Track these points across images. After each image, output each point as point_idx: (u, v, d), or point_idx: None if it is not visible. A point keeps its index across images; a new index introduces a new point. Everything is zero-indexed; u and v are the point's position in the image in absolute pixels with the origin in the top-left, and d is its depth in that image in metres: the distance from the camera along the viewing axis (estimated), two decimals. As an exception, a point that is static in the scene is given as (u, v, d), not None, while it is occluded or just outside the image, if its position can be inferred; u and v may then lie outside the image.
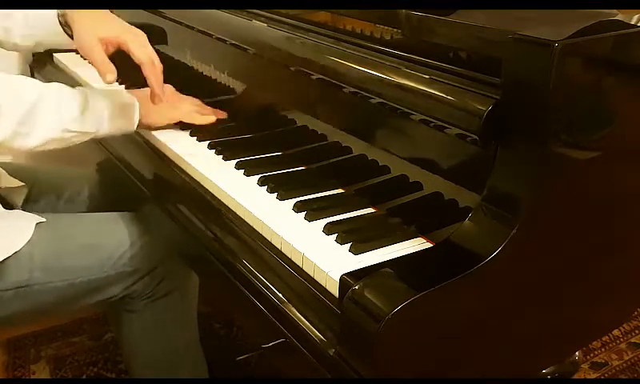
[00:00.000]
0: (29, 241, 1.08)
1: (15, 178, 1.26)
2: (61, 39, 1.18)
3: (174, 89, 1.26)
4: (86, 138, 1.10)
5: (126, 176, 1.21)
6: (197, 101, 1.26)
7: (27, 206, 1.27)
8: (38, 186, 1.31)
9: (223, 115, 1.25)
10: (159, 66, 1.12)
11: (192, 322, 1.29)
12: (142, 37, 1.12)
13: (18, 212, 1.20)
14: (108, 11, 1.15)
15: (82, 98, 1.08)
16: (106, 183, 1.39)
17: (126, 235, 1.16)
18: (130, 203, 1.23)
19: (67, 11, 1.13)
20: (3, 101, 0.98)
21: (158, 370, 1.26)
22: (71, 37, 1.15)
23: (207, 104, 1.27)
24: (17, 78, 1.05)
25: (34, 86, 1.04)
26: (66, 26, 1.15)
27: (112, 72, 1.07)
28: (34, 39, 1.23)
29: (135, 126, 1.16)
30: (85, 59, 1.22)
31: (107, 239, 1.16)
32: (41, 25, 1.20)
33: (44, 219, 1.13)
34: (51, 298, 1.11)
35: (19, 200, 1.25)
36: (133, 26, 1.14)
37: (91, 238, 1.16)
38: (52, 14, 1.16)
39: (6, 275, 1.06)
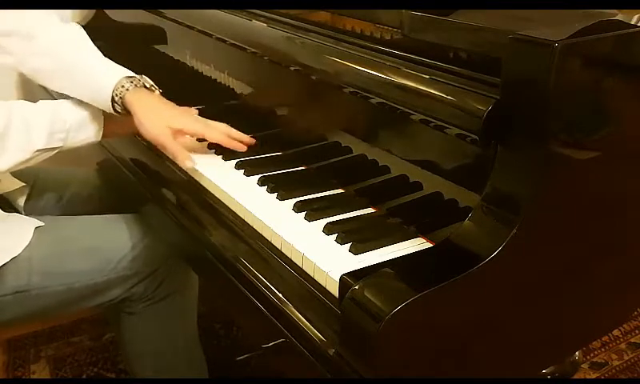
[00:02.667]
0: (27, 245, 1.08)
1: (16, 178, 1.26)
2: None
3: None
4: (53, 153, 1.08)
5: (125, 176, 1.21)
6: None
7: (28, 205, 1.27)
8: (39, 185, 1.31)
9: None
10: (233, 132, 1.10)
11: (192, 323, 1.29)
12: (201, 120, 1.11)
13: (16, 216, 1.19)
14: (167, 102, 1.11)
15: (49, 115, 1.06)
16: (106, 183, 1.39)
17: (125, 238, 1.16)
18: (130, 203, 1.23)
19: (127, 96, 1.06)
20: None
21: (158, 371, 1.26)
22: (118, 112, 1.09)
23: (208, 107, 1.26)
24: None
25: (2, 109, 1.02)
26: (118, 105, 1.07)
27: (189, 158, 1.06)
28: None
29: (100, 137, 1.12)
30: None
31: (107, 242, 1.16)
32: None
33: (42, 223, 1.12)
34: (50, 302, 1.11)
35: (21, 200, 1.26)
36: (189, 109, 1.13)
37: (91, 241, 1.16)
38: (105, 94, 1.07)
39: (4, 280, 1.06)
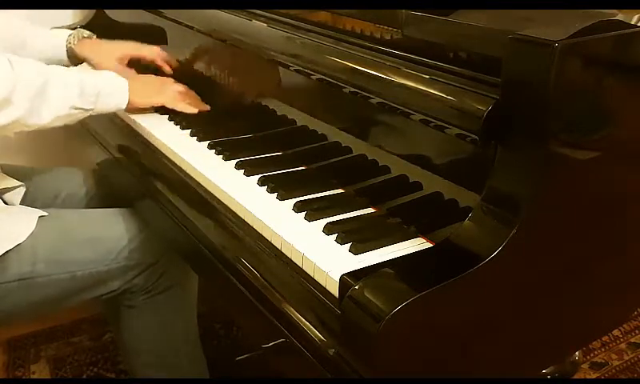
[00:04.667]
0: (31, 234, 1.09)
1: (12, 177, 1.26)
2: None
3: (155, 76, 1.33)
4: (85, 115, 1.16)
5: (124, 176, 1.21)
6: (181, 87, 1.30)
7: (24, 204, 1.27)
8: (35, 186, 1.32)
9: (206, 107, 1.30)
10: (165, 54, 1.39)
11: (191, 318, 1.29)
12: (143, 45, 1.39)
13: (19, 207, 1.21)
14: (106, 40, 1.39)
15: (80, 76, 1.14)
16: (103, 183, 1.39)
17: (127, 229, 1.17)
18: (127, 203, 1.23)
19: (75, 48, 1.35)
20: (18, 80, 1.03)
21: (158, 367, 1.26)
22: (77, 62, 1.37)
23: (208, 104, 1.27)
24: (25, 60, 1.10)
25: (42, 66, 1.10)
26: (71, 58, 1.36)
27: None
28: None
29: (126, 104, 1.21)
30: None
31: (109, 233, 1.17)
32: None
33: (46, 213, 1.14)
34: (53, 291, 1.12)
35: (17, 200, 1.26)
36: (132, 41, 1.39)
37: (93, 231, 1.17)
38: (60, 47, 1.35)
39: (8, 267, 1.07)
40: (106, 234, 1.17)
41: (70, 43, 1.35)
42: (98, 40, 1.38)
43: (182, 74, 1.40)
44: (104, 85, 1.17)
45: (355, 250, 0.81)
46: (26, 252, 1.09)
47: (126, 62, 1.35)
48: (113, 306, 1.25)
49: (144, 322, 1.24)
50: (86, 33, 1.37)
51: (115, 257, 1.15)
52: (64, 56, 1.36)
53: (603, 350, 1.84)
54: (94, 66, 1.34)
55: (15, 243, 1.08)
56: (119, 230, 1.17)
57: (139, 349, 1.26)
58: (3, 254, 1.06)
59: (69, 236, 1.15)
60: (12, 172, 1.27)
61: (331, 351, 0.71)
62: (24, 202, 1.27)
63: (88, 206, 1.36)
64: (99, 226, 1.19)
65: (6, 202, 1.22)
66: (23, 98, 1.04)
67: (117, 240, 1.16)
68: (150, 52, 1.38)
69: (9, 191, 1.25)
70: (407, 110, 0.83)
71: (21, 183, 1.27)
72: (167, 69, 1.38)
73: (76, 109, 1.13)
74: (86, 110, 1.14)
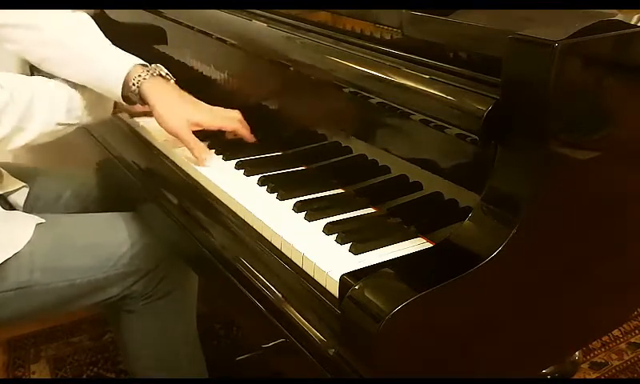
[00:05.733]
0: (29, 241, 1.08)
1: (16, 178, 1.26)
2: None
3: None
4: (71, 129, 1.13)
5: (125, 176, 1.21)
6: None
7: (27, 205, 1.27)
8: (38, 186, 1.31)
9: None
10: (243, 122, 1.12)
11: (191, 319, 1.29)
12: (222, 113, 1.11)
13: (17, 213, 1.20)
14: (183, 93, 1.12)
15: (67, 90, 1.11)
16: (105, 183, 1.39)
17: (126, 235, 1.16)
18: (129, 203, 1.23)
19: (144, 86, 1.06)
20: (6, 99, 1.01)
21: (157, 369, 1.26)
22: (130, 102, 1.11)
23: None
24: (12, 75, 1.08)
25: (29, 82, 1.08)
26: (133, 94, 1.07)
27: (206, 151, 1.07)
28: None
29: (110, 113, 1.20)
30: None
31: (107, 239, 1.16)
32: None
33: (43, 220, 1.13)
34: (51, 299, 1.11)
35: (21, 200, 1.26)
36: (213, 107, 1.11)
37: (91, 238, 1.16)
38: (116, 84, 1.06)
39: (6, 276, 1.06)
40: (105, 241, 1.15)
41: (138, 79, 1.06)
42: (175, 87, 1.10)
43: (182, 75, 1.40)
44: (91, 96, 1.12)
45: (355, 250, 0.81)
46: (23, 260, 1.07)
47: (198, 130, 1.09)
48: (113, 309, 1.25)
49: (144, 327, 1.23)
50: (164, 71, 1.10)
51: (114, 264, 1.14)
52: (118, 90, 1.07)
53: (603, 350, 1.84)
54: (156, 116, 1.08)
55: (13, 252, 1.06)
56: (118, 237, 1.16)
57: (139, 352, 1.26)
58: (1, 264, 1.05)
59: (67, 243, 1.14)
60: (15, 172, 1.27)
61: (331, 351, 0.71)
62: (27, 202, 1.27)
63: (91, 207, 1.35)
64: (98, 232, 1.18)
65: (10, 204, 1.22)
66: (10, 115, 1.03)
67: (116, 247, 1.15)
68: (231, 125, 1.11)
69: (12, 192, 1.25)
70: (407, 110, 0.83)
71: (24, 184, 1.27)
72: (249, 137, 1.13)
73: (61, 125, 1.10)
74: (71, 124, 1.12)
